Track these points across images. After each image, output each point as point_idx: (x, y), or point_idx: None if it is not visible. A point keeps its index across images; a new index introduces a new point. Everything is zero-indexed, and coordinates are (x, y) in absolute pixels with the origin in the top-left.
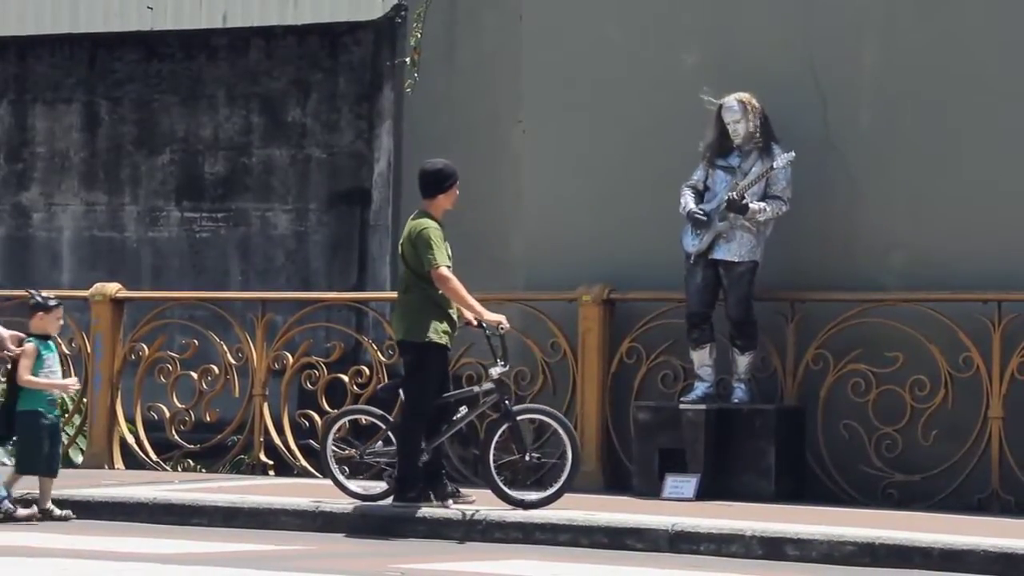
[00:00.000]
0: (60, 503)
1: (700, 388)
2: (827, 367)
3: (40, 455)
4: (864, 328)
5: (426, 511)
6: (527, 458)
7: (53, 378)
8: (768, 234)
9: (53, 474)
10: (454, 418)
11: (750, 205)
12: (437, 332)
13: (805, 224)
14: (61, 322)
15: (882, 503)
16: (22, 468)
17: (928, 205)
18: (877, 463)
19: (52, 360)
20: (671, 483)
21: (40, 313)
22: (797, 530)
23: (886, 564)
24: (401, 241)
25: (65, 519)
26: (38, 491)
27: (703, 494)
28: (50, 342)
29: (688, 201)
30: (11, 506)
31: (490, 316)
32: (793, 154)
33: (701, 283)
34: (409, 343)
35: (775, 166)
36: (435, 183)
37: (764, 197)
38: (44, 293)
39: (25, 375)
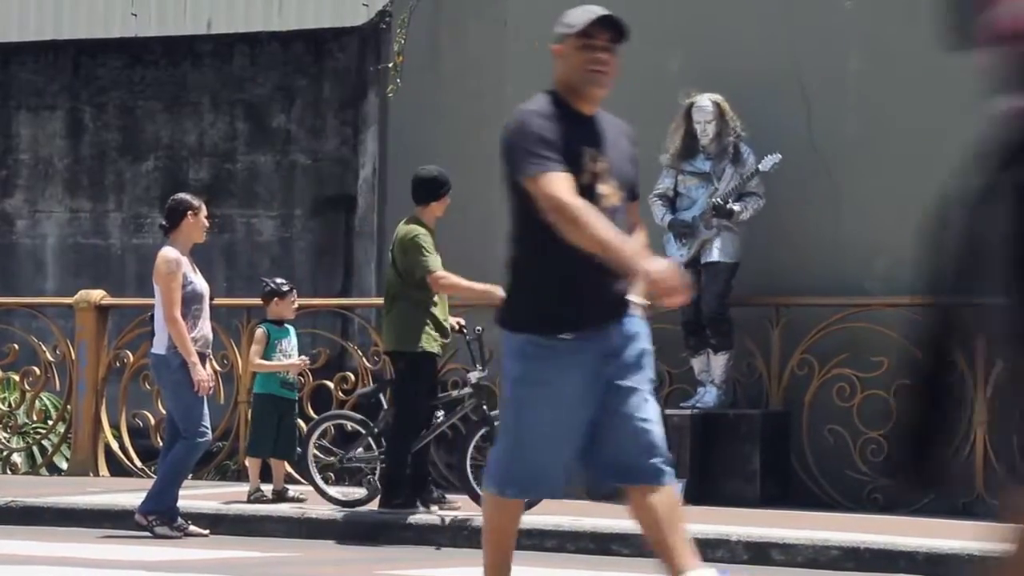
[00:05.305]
0: (47, 510)
1: (706, 392)
2: (812, 372)
3: (268, 438)
4: (849, 333)
5: (412, 517)
6: None
7: (285, 361)
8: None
9: (284, 456)
10: (432, 423)
11: (734, 209)
12: (429, 340)
13: (789, 229)
14: (296, 305)
15: (867, 507)
16: (251, 450)
17: (912, 210)
18: (862, 467)
19: (287, 344)
20: None
21: (275, 299)
22: (782, 535)
23: (871, 568)
24: (391, 248)
25: (299, 500)
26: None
27: (688, 499)
28: (287, 327)
29: (663, 211)
30: (184, 522)
31: (480, 287)
32: (779, 156)
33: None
34: (401, 353)
35: (761, 168)
36: (429, 190)
37: (739, 196)
38: (278, 280)
39: (255, 359)
